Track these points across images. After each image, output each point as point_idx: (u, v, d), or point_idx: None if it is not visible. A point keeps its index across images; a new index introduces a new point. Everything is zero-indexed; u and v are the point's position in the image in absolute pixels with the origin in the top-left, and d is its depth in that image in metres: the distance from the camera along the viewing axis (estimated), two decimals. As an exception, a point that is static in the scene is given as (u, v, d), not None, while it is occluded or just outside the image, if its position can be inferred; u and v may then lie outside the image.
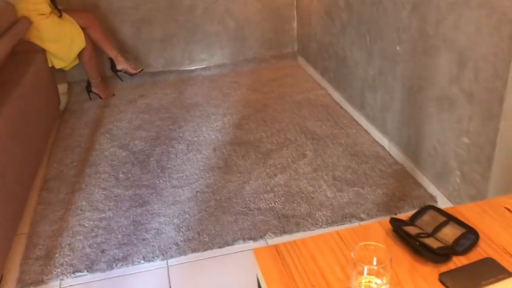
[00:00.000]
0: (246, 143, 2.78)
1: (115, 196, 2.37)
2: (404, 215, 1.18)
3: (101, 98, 3.48)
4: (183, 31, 3.76)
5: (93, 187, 2.45)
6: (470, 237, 1.06)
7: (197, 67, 3.89)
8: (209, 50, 3.87)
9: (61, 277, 1.91)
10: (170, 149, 2.78)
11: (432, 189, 2.25)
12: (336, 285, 0.98)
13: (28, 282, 1.88)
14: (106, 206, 2.30)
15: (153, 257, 1.98)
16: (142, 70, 3.59)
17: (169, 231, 2.11)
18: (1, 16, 2.58)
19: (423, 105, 2.23)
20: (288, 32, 3.95)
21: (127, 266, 1.95)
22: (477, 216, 1.15)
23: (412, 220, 1.14)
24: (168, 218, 2.19)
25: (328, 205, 2.22)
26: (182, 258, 1.98)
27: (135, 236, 2.09)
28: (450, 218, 1.11)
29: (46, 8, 3.05)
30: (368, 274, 0.90)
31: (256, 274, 1.11)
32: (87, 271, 1.93)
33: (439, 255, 1.01)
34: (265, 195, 2.31)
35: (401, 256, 1.05)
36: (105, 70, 3.66)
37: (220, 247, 2.02)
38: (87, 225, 2.18)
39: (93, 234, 2.12)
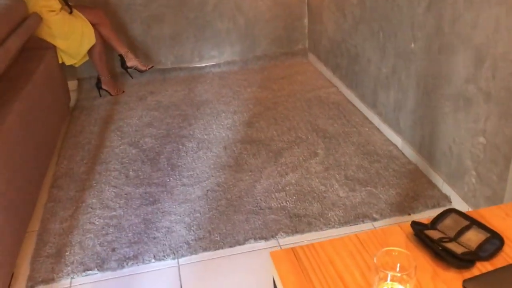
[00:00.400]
0: (257, 141, 2.76)
1: (125, 194, 2.36)
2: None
3: (111, 95, 3.47)
4: (193, 28, 3.74)
5: (103, 184, 2.44)
6: (494, 242, 1.03)
7: (207, 64, 3.87)
8: (219, 47, 3.84)
9: (71, 276, 1.89)
10: (180, 147, 2.76)
11: (446, 189, 2.21)
12: (356, 291, 0.96)
13: (39, 280, 1.87)
14: (116, 204, 2.29)
15: (164, 256, 1.96)
16: (152, 67, 3.57)
17: (179, 230, 2.09)
18: (12, 13, 2.57)
19: (438, 104, 2.19)
20: (299, 29, 3.92)
21: (138, 265, 1.94)
22: (501, 220, 1.12)
23: (433, 224, 1.11)
24: (178, 217, 2.18)
25: (340, 205, 2.19)
26: (193, 257, 1.96)
27: (145, 235, 2.08)
28: (473, 222, 1.08)
29: (56, 4, 3.04)
30: (391, 280, 0.87)
31: (273, 277, 1.09)
32: (98, 269, 1.92)
33: (463, 261, 0.98)
34: (276, 194, 2.29)
35: (423, 261, 1.02)
36: (115, 67, 3.65)
37: (231, 247, 2.00)
38: (97, 223, 2.17)
39: (104, 232, 2.11)
